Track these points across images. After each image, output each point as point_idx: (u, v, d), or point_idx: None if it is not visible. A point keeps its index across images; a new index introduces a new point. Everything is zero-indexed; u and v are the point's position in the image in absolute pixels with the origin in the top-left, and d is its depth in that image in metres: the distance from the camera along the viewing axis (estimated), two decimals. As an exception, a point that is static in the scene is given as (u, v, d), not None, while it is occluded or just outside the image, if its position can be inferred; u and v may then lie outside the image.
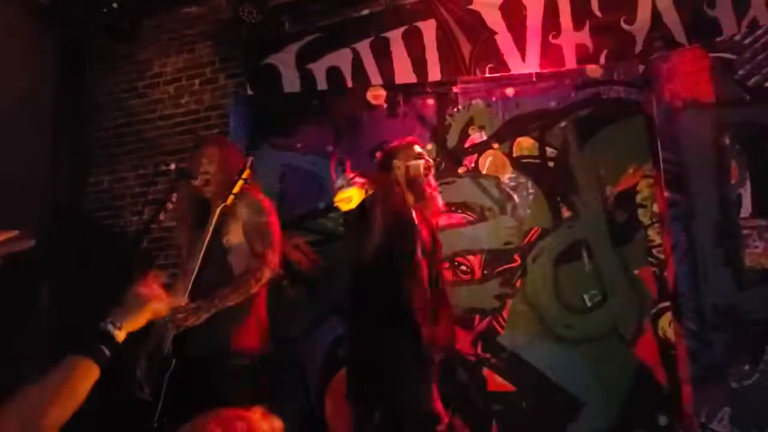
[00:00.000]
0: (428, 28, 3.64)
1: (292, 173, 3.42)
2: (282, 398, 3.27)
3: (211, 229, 2.30)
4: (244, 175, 2.34)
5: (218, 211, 2.34)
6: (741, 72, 2.81)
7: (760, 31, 2.82)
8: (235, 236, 2.48)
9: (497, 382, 3.11)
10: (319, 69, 3.75)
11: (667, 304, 2.96)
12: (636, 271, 3.02)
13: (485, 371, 3.13)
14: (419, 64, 3.63)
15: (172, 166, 2.42)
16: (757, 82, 2.77)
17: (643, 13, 3.22)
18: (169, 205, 2.43)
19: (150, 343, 2.29)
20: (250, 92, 3.86)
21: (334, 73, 3.72)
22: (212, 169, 2.51)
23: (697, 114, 2.89)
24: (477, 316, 3.18)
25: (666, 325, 2.97)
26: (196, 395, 2.09)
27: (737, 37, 2.88)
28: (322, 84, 3.73)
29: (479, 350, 3.15)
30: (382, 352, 2.37)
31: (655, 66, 3.03)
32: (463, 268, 3.26)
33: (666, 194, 2.97)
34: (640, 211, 3.06)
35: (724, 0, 3.03)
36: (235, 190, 2.32)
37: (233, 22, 3.74)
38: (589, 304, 3.09)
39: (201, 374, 2.28)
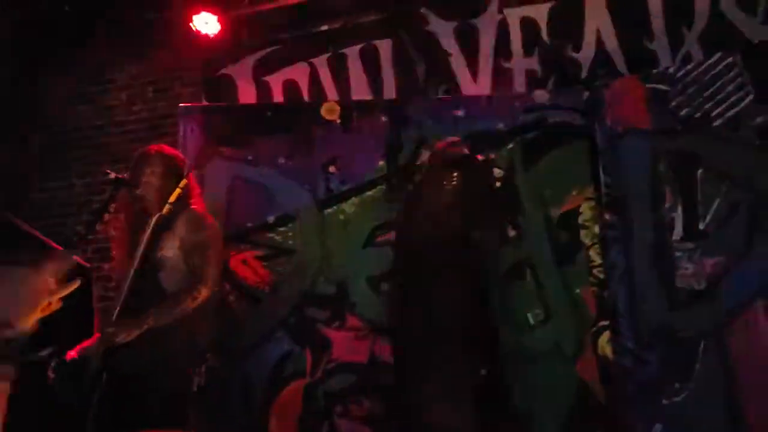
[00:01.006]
0: (385, 47, 3.72)
1: (243, 185, 3.40)
2: (225, 417, 3.21)
3: (144, 242, 2.23)
4: (181, 185, 2.29)
5: (153, 221, 2.28)
6: (674, 103, 2.96)
7: (690, 66, 3.00)
8: (169, 251, 2.36)
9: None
10: (275, 82, 3.77)
11: (606, 322, 3.07)
12: (578, 291, 3.12)
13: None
14: (375, 82, 3.70)
15: (112, 175, 2.33)
16: (687, 113, 2.94)
17: (589, 43, 3.37)
18: (107, 216, 2.35)
19: (79, 357, 2.21)
20: (204, 102, 3.85)
21: (290, 86, 3.75)
22: (154, 180, 2.43)
23: (636, 141, 3.03)
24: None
25: (605, 343, 3.06)
26: (125, 415, 2.03)
27: (671, 70, 3.04)
28: (278, 97, 3.76)
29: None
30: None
31: (598, 94, 3.16)
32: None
33: (606, 216, 3.10)
34: (582, 232, 3.16)
35: (662, 35, 3.21)
36: (171, 198, 2.26)
37: (190, 30, 3.73)
38: (532, 322, 3.17)
39: (131, 394, 2.19)
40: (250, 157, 3.43)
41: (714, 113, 2.91)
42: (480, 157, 2.64)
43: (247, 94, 3.78)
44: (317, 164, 3.39)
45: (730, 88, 2.90)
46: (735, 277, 2.80)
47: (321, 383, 3.23)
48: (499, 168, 3.27)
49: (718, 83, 2.92)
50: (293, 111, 3.60)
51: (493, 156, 3.22)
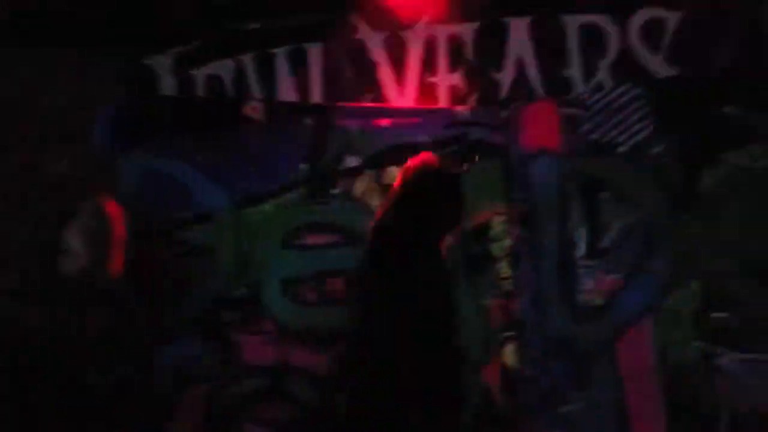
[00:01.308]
0: (314, 51, 3.71)
1: (158, 180, 3.29)
2: (119, 423, 3.07)
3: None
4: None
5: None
6: (584, 128, 3.16)
7: (600, 95, 3.21)
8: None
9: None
10: (199, 76, 3.67)
11: (511, 333, 3.21)
12: (485, 302, 3.24)
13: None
14: (302, 84, 3.68)
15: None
16: (596, 138, 3.14)
17: (510, 64, 3.52)
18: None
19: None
20: (123, 92, 3.68)
21: (215, 81, 3.66)
22: (61, 170, 2.35)
23: (547, 161, 3.20)
24: (337, 337, 3.23)
25: (510, 353, 3.20)
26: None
27: (583, 97, 3.25)
28: (201, 91, 3.66)
29: (335, 372, 3.20)
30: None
31: (516, 114, 3.32)
32: (327, 288, 3.30)
33: (516, 232, 3.24)
34: (493, 245, 3.30)
35: (577, 62, 3.41)
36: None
37: (109, 16, 3.57)
38: (447, 330, 3.26)
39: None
40: (168, 152, 3.32)
41: (619, 140, 3.13)
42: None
43: (169, 86, 3.65)
44: (237, 163, 3.33)
45: (634, 117, 3.13)
46: (628, 294, 3.01)
47: (228, 386, 3.17)
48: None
49: (624, 112, 3.15)
50: (214, 106, 3.53)
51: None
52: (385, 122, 3.41)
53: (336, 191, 3.36)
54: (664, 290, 2.99)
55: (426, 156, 2.61)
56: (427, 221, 2.45)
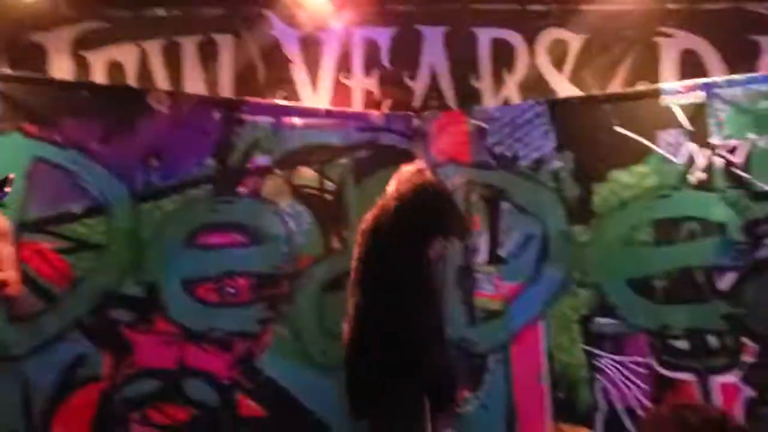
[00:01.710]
0: (225, 43, 3.58)
1: (46, 169, 3.03)
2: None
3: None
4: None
5: None
6: (491, 140, 3.28)
7: (507, 109, 3.36)
8: None
9: (250, 406, 3.11)
10: (97, 60, 3.44)
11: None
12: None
13: (239, 395, 3.11)
14: (211, 77, 3.55)
15: None
16: (501, 151, 3.27)
17: (424, 74, 3.59)
18: None
19: None
20: (7, 70, 3.37)
21: (114, 67, 3.44)
22: None
23: (455, 170, 3.29)
24: (238, 340, 3.16)
25: (408, 355, 3.28)
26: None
27: (491, 110, 3.37)
28: (98, 77, 3.42)
29: (235, 374, 3.13)
30: None
31: (427, 122, 3.38)
32: (230, 289, 3.22)
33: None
34: (402, 249, 3.36)
35: (487, 77, 3.54)
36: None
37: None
38: (346, 330, 3.28)
39: None
40: (57, 138, 3.07)
41: (521, 154, 3.27)
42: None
43: (62, 68, 3.39)
44: (137, 154, 3.14)
45: (536, 133, 3.29)
46: (523, 300, 3.17)
47: (119, 389, 3.02)
48: (333, 183, 3.36)
49: (527, 128, 3.30)
50: (114, 94, 3.31)
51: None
52: (297, 122, 3.37)
53: (243, 190, 3.28)
54: (557, 297, 3.19)
55: (420, 166, 2.65)
56: (423, 229, 2.48)
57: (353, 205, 3.33)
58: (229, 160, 3.28)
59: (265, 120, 3.34)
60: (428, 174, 2.61)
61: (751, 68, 3.27)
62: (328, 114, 3.41)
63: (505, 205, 3.24)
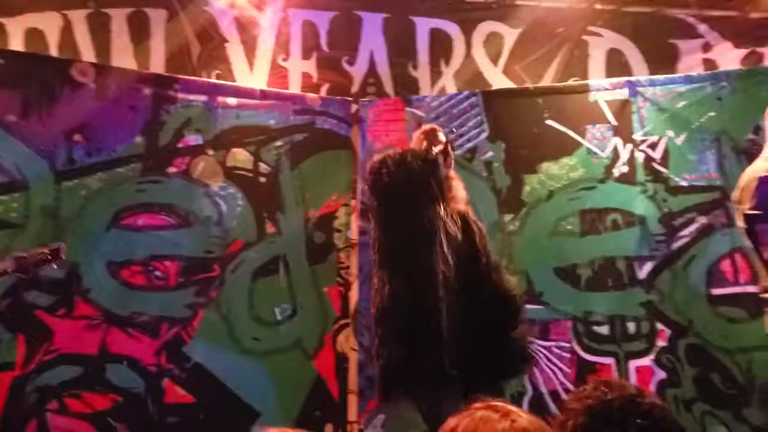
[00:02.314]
0: (158, 17, 3.44)
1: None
2: None
3: None
4: None
5: None
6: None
7: (443, 98, 3.40)
8: None
9: (177, 393, 3.02)
10: (15, 26, 3.21)
11: (347, 321, 3.29)
12: (325, 289, 3.29)
13: (166, 382, 3.01)
14: (142, 51, 3.40)
15: None
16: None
17: (363, 60, 3.58)
18: None
19: None
20: None
21: (34, 35, 3.23)
22: None
23: (392, 157, 3.31)
24: (165, 325, 3.06)
25: (344, 340, 3.28)
26: None
27: (427, 99, 3.41)
28: (16, 44, 3.21)
29: (163, 360, 3.03)
30: None
31: (365, 109, 3.39)
32: (158, 273, 3.11)
33: (359, 223, 3.32)
34: (336, 235, 3.35)
35: (424, 66, 3.58)
36: None
37: None
38: (279, 317, 3.24)
39: None
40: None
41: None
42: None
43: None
44: (59, 129, 2.98)
45: (470, 123, 3.35)
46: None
47: (34, 376, 2.85)
48: (268, 165, 3.30)
49: (462, 118, 3.36)
50: (34, 63, 3.10)
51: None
52: (231, 102, 3.28)
53: (173, 170, 3.17)
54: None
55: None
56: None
57: (288, 189, 3.30)
58: (159, 139, 3.16)
59: (198, 99, 3.24)
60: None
61: (671, 70, 3.46)
62: (264, 95, 3.35)
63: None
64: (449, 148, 2.54)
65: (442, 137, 2.56)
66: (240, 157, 3.28)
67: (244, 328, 3.15)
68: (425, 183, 2.31)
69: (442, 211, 2.34)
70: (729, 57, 3.46)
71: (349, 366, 3.24)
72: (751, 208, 2.26)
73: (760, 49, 3.51)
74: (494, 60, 3.61)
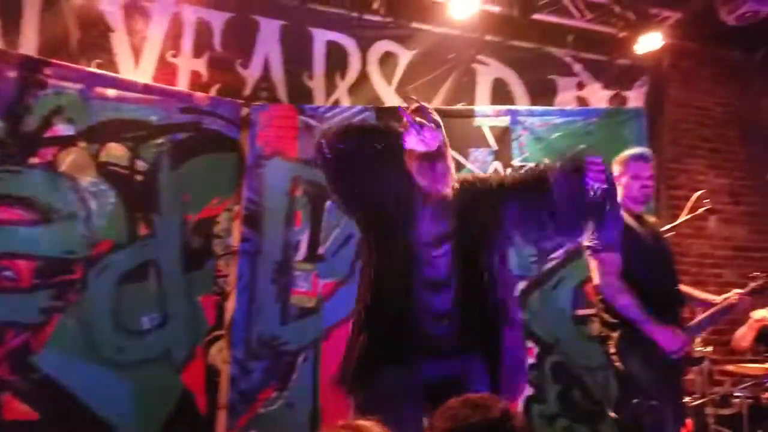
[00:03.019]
0: (33, -3, 3.18)
1: None
2: None
3: None
4: None
5: None
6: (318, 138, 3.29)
7: (337, 110, 3.40)
8: None
9: (18, 409, 2.69)
10: None
11: (221, 332, 3.13)
12: (199, 298, 3.11)
13: (5, 397, 2.67)
14: (11, 30, 3.10)
15: None
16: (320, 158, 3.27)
17: (257, 64, 3.51)
18: None
19: None
20: None
21: None
22: None
23: (280, 164, 3.24)
24: (11, 332, 2.73)
25: (216, 352, 3.11)
26: None
27: (321, 109, 3.40)
28: None
29: (4, 372, 2.69)
30: None
31: (256, 113, 3.30)
32: (8, 273, 2.78)
33: (242, 230, 3.19)
34: (216, 241, 3.20)
35: (320, 76, 3.58)
36: None
37: None
38: (147, 326, 3.01)
39: None
40: None
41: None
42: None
43: None
44: None
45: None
46: (338, 298, 3.19)
47: None
48: (146, 163, 3.10)
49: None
50: None
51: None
52: (111, 93, 3.06)
53: (36, 161, 2.88)
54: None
55: None
56: None
57: (166, 190, 3.12)
58: (22, 126, 2.87)
59: (72, 86, 2.99)
60: None
61: (549, 102, 3.73)
62: (148, 89, 3.16)
63: (327, 203, 3.27)
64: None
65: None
66: (116, 152, 3.05)
67: (105, 337, 2.89)
68: None
69: None
70: (598, 96, 3.81)
71: (221, 380, 3.07)
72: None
73: (624, 93, 3.89)
74: (388, 79, 3.69)
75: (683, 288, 2.67)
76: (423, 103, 1.93)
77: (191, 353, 3.04)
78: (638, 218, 2.54)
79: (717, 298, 2.63)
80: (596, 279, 2.45)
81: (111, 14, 3.32)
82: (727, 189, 4.41)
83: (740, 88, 4.58)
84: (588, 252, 2.48)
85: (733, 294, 2.61)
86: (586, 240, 2.41)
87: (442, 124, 1.94)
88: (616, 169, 2.55)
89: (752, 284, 2.65)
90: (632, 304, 2.35)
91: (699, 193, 3.25)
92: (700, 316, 2.64)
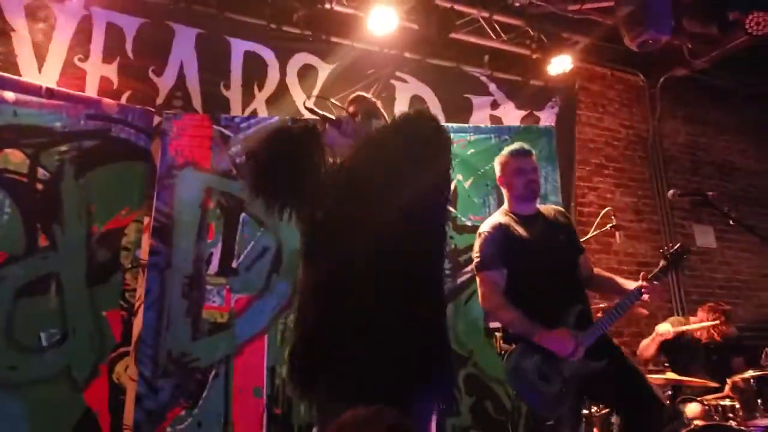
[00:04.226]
0: None
1: None
2: None
3: None
4: None
5: None
6: (234, 149, 3.24)
7: (253, 121, 3.35)
8: None
9: None
10: None
11: (128, 348, 3.00)
12: (104, 313, 2.98)
13: None
14: None
15: None
16: (243, 161, 3.23)
17: (171, 71, 3.42)
18: None
19: None
20: None
21: None
22: None
23: (193, 175, 3.17)
24: None
25: (122, 370, 2.98)
26: None
27: (237, 120, 3.35)
28: None
29: None
30: None
31: (168, 121, 3.21)
32: None
33: (151, 242, 3.09)
34: (123, 253, 3.08)
35: (236, 86, 3.53)
36: None
37: None
38: (45, 343, 2.85)
39: None
40: None
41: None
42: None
43: None
44: None
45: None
46: (251, 312, 3.14)
47: None
48: (48, 171, 2.95)
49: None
50: None
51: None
52: (9, 96, 2.90)
53: None
54: (285, 311, 3.21)
55: None
56: None
57: (70, 199, 2.98)
58: None
59: (-37, 88, 2.82)
60: None
61: (465, 120, 3.83)
62: (51, 93, 3.01)
63: (242, 216, 3.22)
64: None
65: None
66: (14, 159, 2.89)
67: (-2, 356, 2.72)
68: None
69: None
70: (512, 116, 3.95)
71: (126, 398, 2.94)
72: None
73: (537, 113, 4.06)
74: (308, 91, 3.68)
75: (602, 274, 2.62)
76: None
77: (95, 370, 2.90)
78: (528, 220, 2.47)
79: (633, 285, 2.48)
80: (479, 298, 2.44)
81: (12, 12, 3.15)
82: (632, 207, 4.68)
83: (643, 111, 4.89)
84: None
85: (639, 284, 2.47)
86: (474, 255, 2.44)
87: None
88: (497, 170, 2.56)
89: (654, 270, 2.50)
90: (515, 318, 2.31)
91: (606, 209, 3.44)
92: (604, 313, 2.51)
